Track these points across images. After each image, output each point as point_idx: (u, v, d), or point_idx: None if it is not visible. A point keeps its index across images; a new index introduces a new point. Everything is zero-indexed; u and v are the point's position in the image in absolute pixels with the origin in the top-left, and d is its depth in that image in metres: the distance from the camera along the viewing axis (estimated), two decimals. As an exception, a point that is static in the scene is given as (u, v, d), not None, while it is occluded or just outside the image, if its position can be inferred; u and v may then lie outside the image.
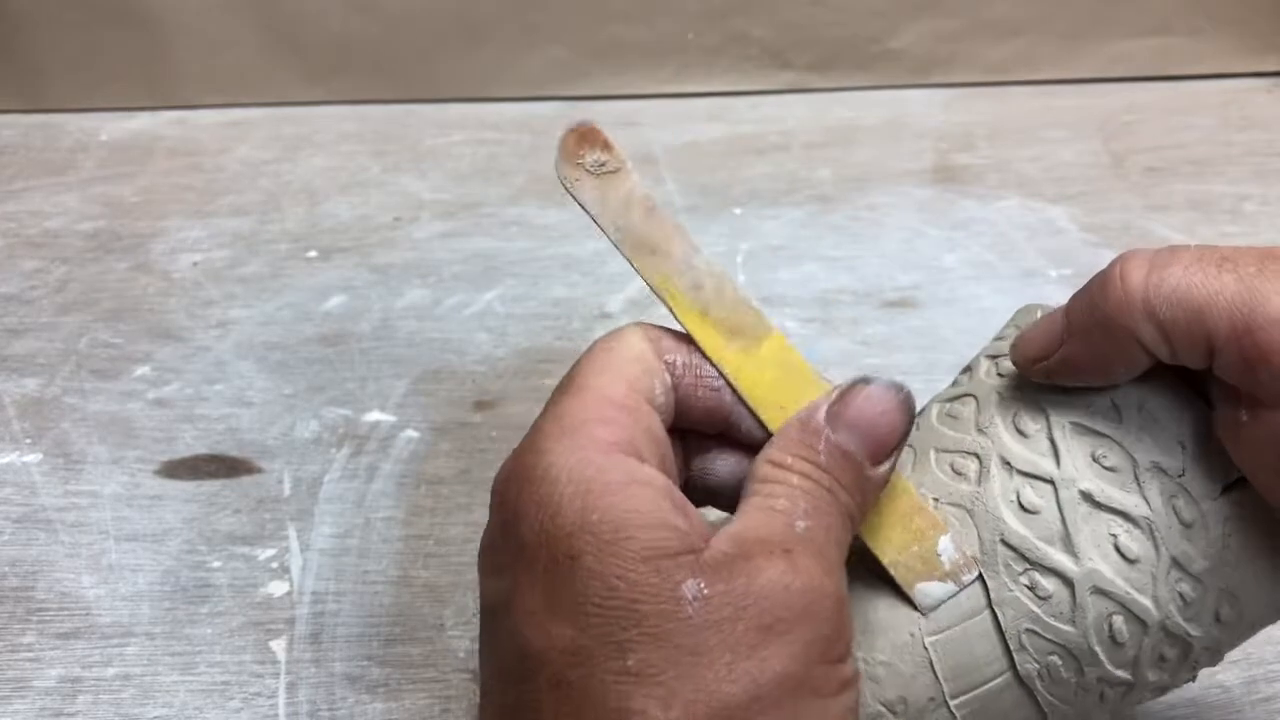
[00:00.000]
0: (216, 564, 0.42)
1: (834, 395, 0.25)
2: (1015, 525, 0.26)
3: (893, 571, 0.26)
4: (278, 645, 0.39)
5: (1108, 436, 0.26)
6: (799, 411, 0.25)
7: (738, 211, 0.66)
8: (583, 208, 0.27)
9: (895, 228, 0.64)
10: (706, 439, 0.28)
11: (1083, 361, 0.25)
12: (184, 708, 0.37)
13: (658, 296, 0.27)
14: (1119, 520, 0.26)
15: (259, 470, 0.47)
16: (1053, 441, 0.27)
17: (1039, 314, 0.29)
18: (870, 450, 0.25)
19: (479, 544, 0.26)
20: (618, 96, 0.79)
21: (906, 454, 0.29)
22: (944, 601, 0.26)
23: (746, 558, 0.22)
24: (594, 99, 0.79)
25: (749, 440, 0.27)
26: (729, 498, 0.27)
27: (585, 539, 0.22)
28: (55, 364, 0.53)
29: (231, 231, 0.65)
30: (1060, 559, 0.26)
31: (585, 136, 0.27)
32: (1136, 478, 0.26)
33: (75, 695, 0.37)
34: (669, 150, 0.73)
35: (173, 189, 0.70)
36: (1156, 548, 0.26)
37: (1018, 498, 0.26)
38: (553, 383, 0.27)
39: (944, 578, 0.26)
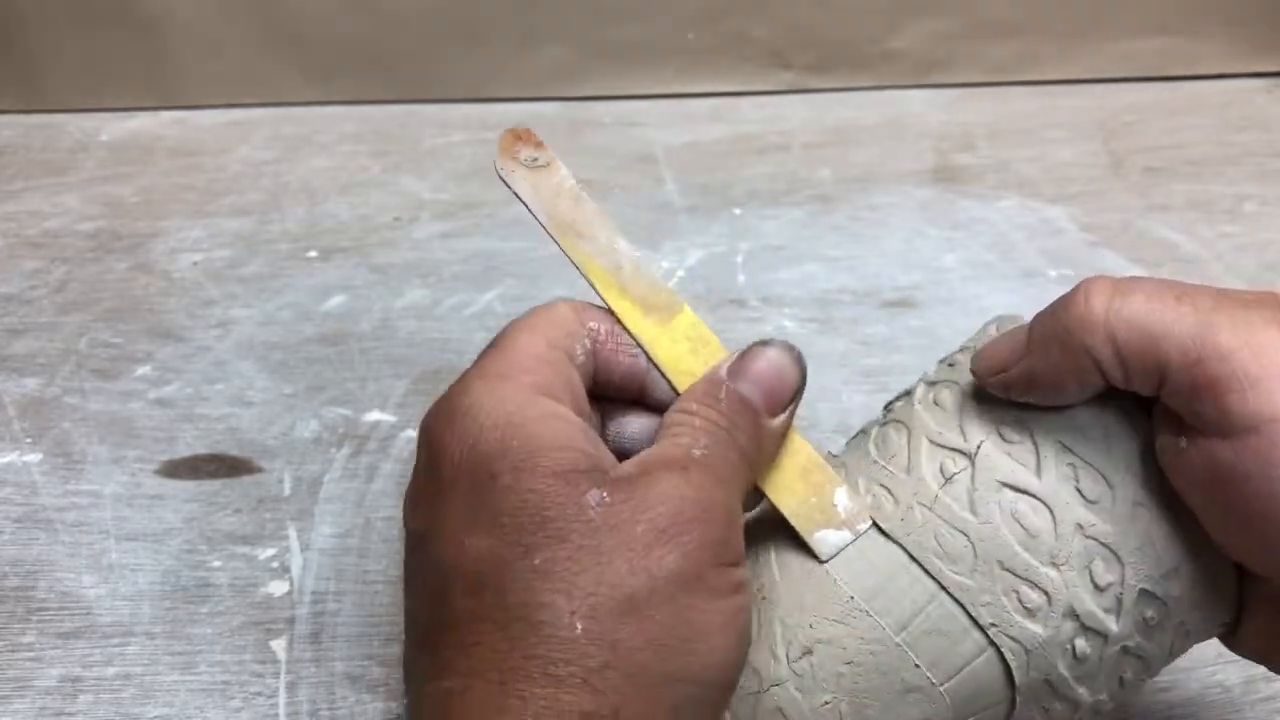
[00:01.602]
0: (217, 564, 0.42)
1: (735, 356, 0.28)
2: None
3: (793, 521, 0.28)
4: (278, 645, 0.39)
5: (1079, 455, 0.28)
6: (706, 371, 0.29)
7: (738, 211, 0.66)
8: (518, 197, 0.30)
9: (895, 228, 0.64)
10: (622, 404, 0.30)
11: (1039, 377, 0.27)
12: (184, 707, 0.37)
13: (582, 275, 0.30)
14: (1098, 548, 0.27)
15: (259, 470, 0.47)
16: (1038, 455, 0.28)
17: (993, 330, 0.30)
18: (766, 401, 0.27)
19: (406, 492, 0.28)
20: (618, 96, 0.79)
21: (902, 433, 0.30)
22: (841, 549, 0.28)
23: (648, 472, 0.25)
24: (594, 99, 0.79)
25: (661, 404, 0.29)
26: None
27: (502, 462, 0.25)
28: (55, 364, 0.53)
29: (232, 231, 0.65)
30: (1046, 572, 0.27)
31: (520, 136, 0.31)
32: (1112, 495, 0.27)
33: (76, 695, 0.37)
34: (669, 150, 0.73)
35: (173, 189, 0.70)
36: (1122, 567, 0.27)
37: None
38: (553, 382, 0.28)
39: (840, 526, 0.28)
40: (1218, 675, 0.37)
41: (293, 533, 0.44)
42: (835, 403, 0.50)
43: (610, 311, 0.30)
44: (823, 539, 0.28)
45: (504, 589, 0.24)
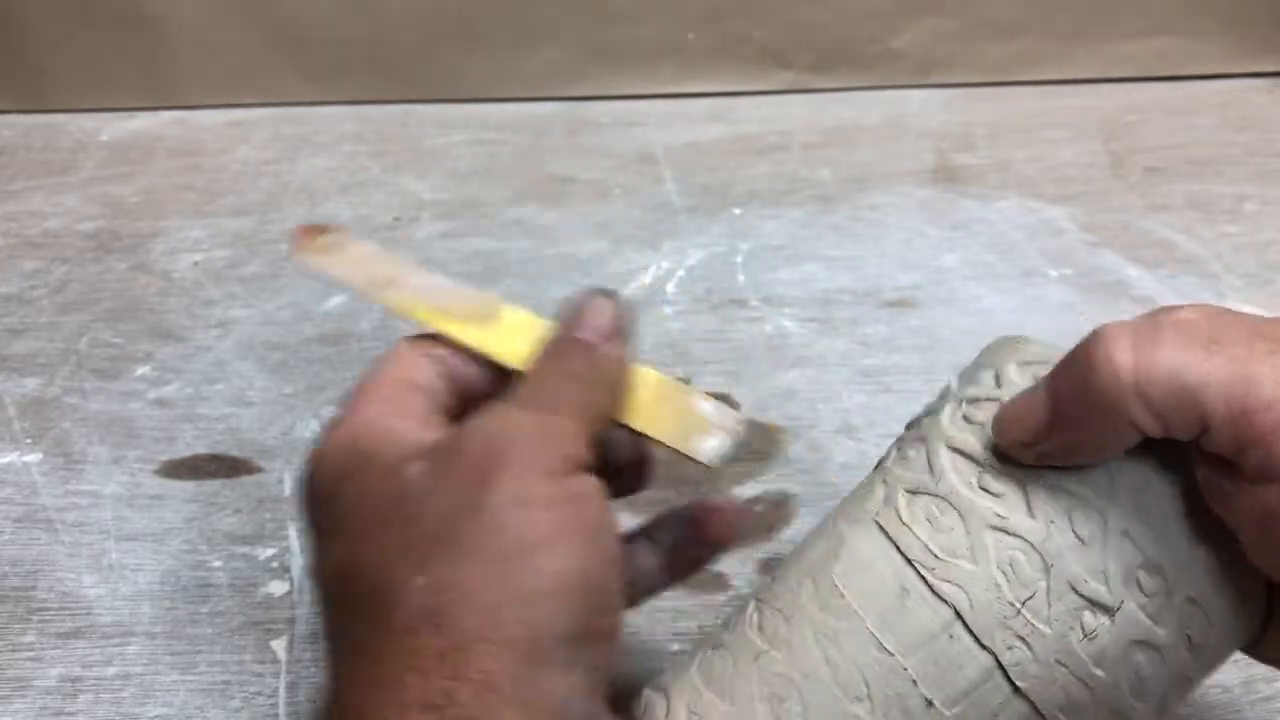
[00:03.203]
0: (217, 563, 0.42)
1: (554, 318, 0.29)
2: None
3: (670, 443, 0.29)
4: (278, 644, 0.39)
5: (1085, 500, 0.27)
6: None
7: (738, 211, 0.66)
8: (330, 280, 0.32)
9: (895, 228, 0.64)
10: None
11: (1078, 448, 0.26)
12: (184, 707, 0.37)
13: (410, 318, 0.31)
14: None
15: (259, 470, 0.47)
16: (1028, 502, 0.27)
17: (1010, 368, 0.29)
18: (589, 333, 0.28)
19: None
20: (618, 96, 0.79)
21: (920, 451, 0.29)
22: (724, 453, 0.29)
23: (461, 429, 0.26)
24: (594, 99, 0.79)
25: None
26: None
27: (346, 475, 0.27)
28: (55, 364, 0.53)
29: (232, 231, 0.65)
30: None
31: (308, 230, 0.33)
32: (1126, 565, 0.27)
33: (76, 694, 0.37)
34: (669, 150, 0.73)
35: (173, 189, 0.70)
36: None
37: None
38: (553, 382, 0.28)
39: (714, 431, 0.29)
40: (1218, 675, 0.37)
41: (293, 533, 0.44)
42: (835, 403, 0.50)
43: (447, 339, 0.31)
44: (701, 446, 0.29)
45: (364, 580, 0.25)
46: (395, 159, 0.73)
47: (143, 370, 0.53)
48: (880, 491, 0.29)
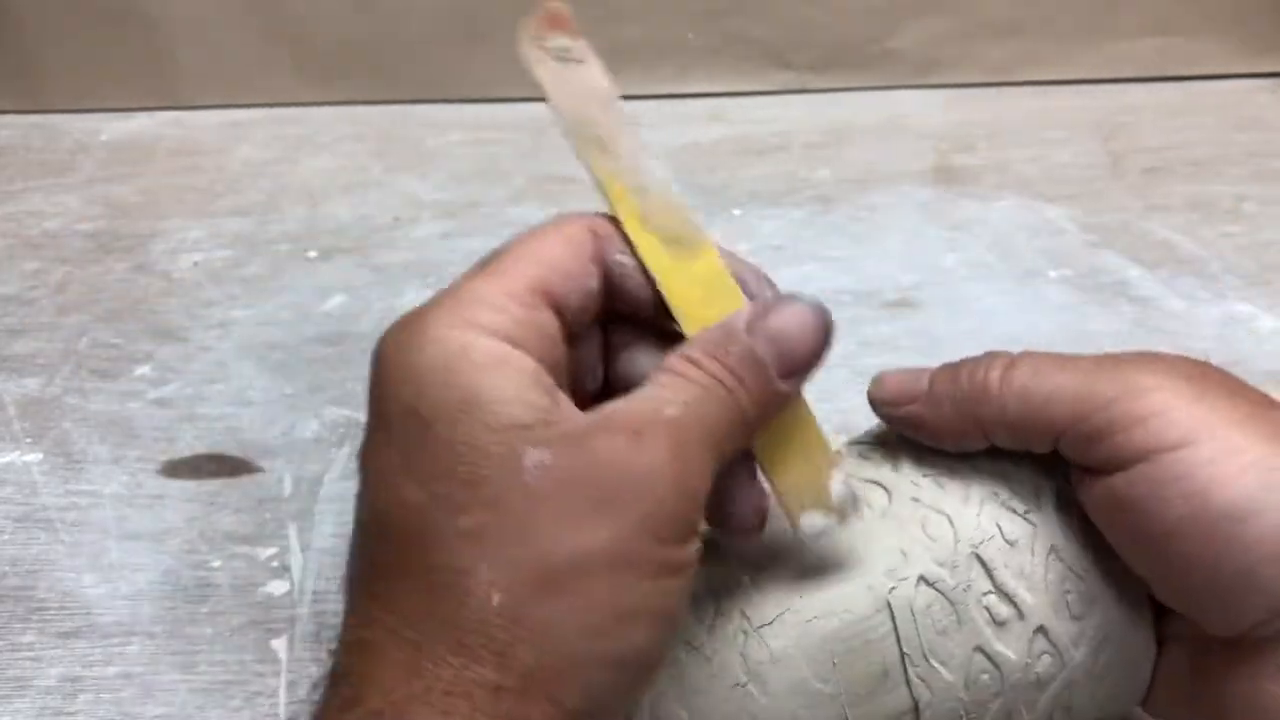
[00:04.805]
0: (217, 563, 0.42)
1: (757, 306, 0.26)
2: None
3: (783, 498, 0.27)
4: (278, 644, 0.39)
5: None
6: (722, 319, 0.26)
7: (737, 212, 0.66)
8: (541, 91, 0.27)
9: (895, 228, 0.64)
10: (637, 330, 0.28)
11: (926, 425, 0.29)
12: (184, 707, 0.37)
13: (601, 192, 0.27)
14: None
15: (259, 470, 0.47)
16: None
17: None
18: (781, 362, 0.25)
19: None
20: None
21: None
22: (824, 533, 0.27)
23: (595, 434, 0.23)
24: (594, 99, 0.79)
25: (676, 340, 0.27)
26: None
27: (440, 409, 0.23)
28: (55, 364, 0.53)
29: (231, 231, 0.65)
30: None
31: (554, 21, 0.27)
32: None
33: (76, 694, 0.37)
34: (669, 150, 0.73)
35: (173, 189, 0.70)
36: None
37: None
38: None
39: (829, 513, 0.27)
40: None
41: (293, 532, 0.44)
42: (835, 403, 0.50)
43: (625, 237, 0.27)
44: (809, 522, 0.27)
45: (429, 546, 0.23)
46: (395, 159, 0.73)
47: (143, 370, 0.53)
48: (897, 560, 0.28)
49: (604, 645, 0.23)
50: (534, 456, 0.23)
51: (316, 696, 0.24)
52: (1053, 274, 0.59)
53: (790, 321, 0.26)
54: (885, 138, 0.75)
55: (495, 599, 0.22)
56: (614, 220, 0.27)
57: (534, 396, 0.24)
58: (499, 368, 0.24)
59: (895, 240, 0.63)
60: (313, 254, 0.63)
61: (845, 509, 0.27)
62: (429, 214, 0.67)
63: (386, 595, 0.23)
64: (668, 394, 0.24)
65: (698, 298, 0.26)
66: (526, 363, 0.24)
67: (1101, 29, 0.79)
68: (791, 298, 0.26)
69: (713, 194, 0.68)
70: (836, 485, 0.27)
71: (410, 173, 0.72)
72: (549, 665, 0.22)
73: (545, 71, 0.27)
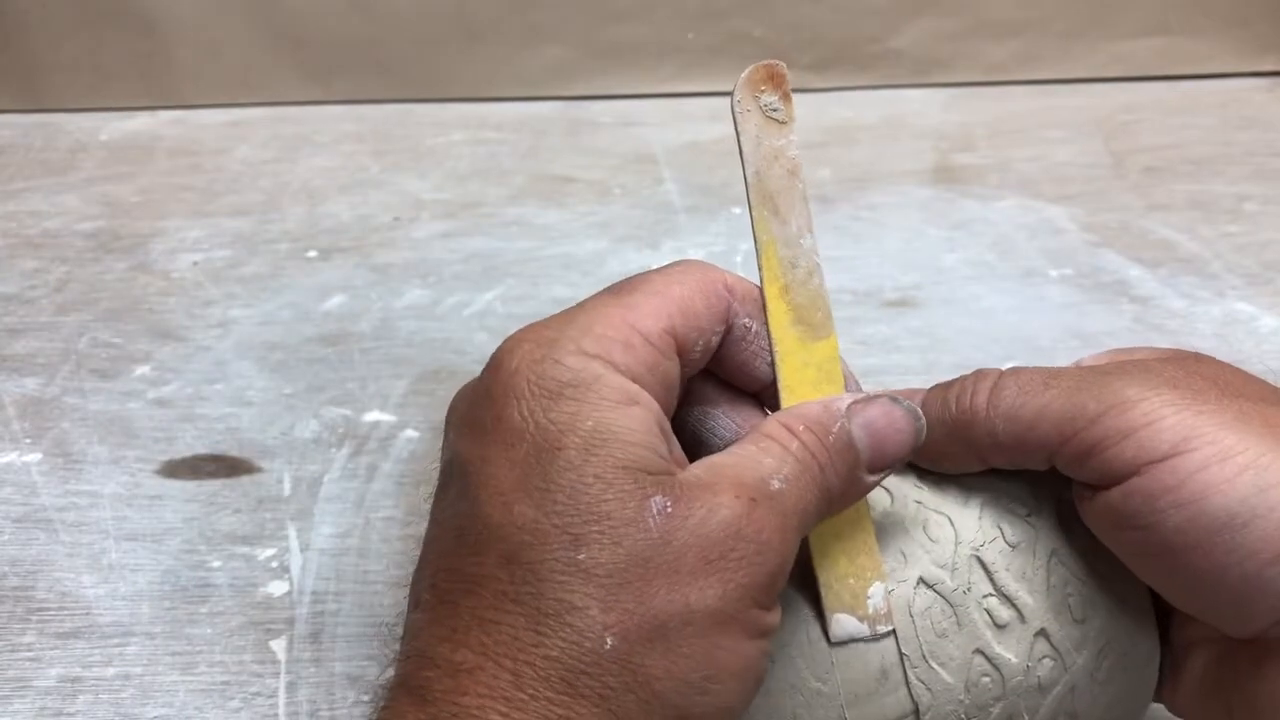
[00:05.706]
0: (216, 564, 0.42)
1: (860, 395, 0.27)
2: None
3: (823, 590, 0.27)
4: (278, 645, 0.39)
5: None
6: (826, 397, 0.27)
7: (737, 211, 0.66)
8: (738, 140, 0.28)
9: (895, 228, 0.64)
10: (716, 386, 0.29)
11: (921, 451, 0.28)
12: (184, 707, 0.37)
13: (756, 253, 0.28)
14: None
15: (259, 470, 0.47)
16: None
17: None
18: (873, 454, 0.26)
19: (458, 392, 0.27)
20: (618, 96, 0.79)
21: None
22: (853, 638, 0.27)
23: (714, 491, 0.24)
24: (594, 99, 0.79)
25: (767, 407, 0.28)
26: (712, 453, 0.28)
27: (573, 438, 0.23)
28: (55, 364, 0.53)
29: (231, 231, 0.65)
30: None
31: (774, 78, 0.29)
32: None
33: (75, 695, 0.37)
34: (669, 150, 0.73)
35: (173, 189, 0.70)
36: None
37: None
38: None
39: (863, 619, 0.27)
40: None
41: (293, 533, 0.44)
42: (835, 402, 0.50)
43: (762, 302, 0.28)
44: (841, 622, 0.27)
45: (541, 575, 0.23)
46: (395, 159, 0.73)
47: (142, 370, 0.53)
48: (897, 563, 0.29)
49: (702, 701, 0.23)
50: (658, 502, 0.23)
51: (381, 702, 0.24)
52: (1053, 273, 0.59)
53: (886, 417, 0.26)
54: (885, 137, 0.75)
55: (609, 642, 0.22)
56: (744, 280, 0.28)
57: (657, 442, 0.24)
58: (630, 406, 0.24)
59: (895, 239, 0.63)
60: (312, 254, 0.63)
61: (877, 622, 0.27)
62: (429, 214, 0.67)
63: (482, 616, 0.23)
64: (771, 462, 0.25)
65: (809, 379, 0.27)
66: (653, 406, 0.25)
67: (1101, 29, 0.79)
68: (894, 399, 0.27)
69: (713, 194, 0.68)
70: (876, 596, 0.27)
71: (410, 172, 0.72)
72: (649, 715, 0.22)
73: (749, 122, 0.28)
